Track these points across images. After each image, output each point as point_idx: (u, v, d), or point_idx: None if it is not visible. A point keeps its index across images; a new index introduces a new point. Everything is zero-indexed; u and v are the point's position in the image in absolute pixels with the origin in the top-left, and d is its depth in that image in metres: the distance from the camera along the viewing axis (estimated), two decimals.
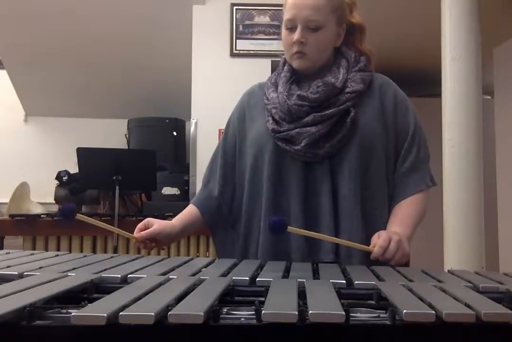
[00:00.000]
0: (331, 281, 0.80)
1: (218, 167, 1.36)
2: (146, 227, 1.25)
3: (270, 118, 1.27)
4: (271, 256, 1.20)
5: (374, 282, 0.80)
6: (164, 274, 0.89)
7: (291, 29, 1.23)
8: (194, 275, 0.89)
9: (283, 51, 1.30)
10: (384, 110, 1.27)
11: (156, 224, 1.25)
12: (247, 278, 0.84)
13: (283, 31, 1.26)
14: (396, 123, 1.28)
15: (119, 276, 0.84)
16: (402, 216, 1.24)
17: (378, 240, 1.11)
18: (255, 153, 1.29)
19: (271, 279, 0.81)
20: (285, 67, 1.32)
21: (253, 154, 1.29)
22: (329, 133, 1.21)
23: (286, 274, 0.93)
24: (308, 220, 1.22)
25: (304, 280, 0.80)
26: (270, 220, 1.05)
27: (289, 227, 1.05)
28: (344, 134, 1.21)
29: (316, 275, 0.92)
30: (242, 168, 1.33)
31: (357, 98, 1.24)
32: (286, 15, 1.24)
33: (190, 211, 1.35)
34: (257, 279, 0.83)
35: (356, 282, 0.82)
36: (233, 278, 0.83)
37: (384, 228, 1.22)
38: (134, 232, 1.24)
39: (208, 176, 1.39)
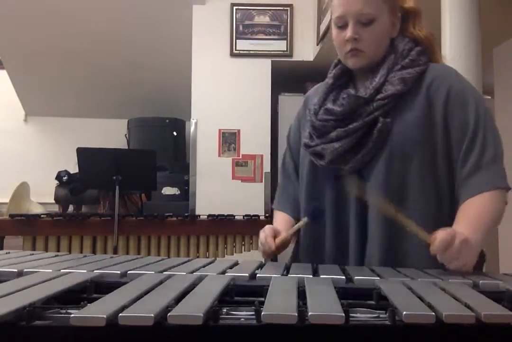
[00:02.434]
0: (331, 279, 0.80)
1: (292, 172, 1.33)
2: (275, 234, 1.17)
3: (307, 130, 1.23)
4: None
5: (374, 281, 0.80)
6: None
7: (342, 27, 1.15)
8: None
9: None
10: (433, 111, 1.12)
11: (284, 232, 1.19)
12: (247, 274, 0.84)
13: (334, 30, 1.18)
14: (449, 121, 1.12)
15: (119, 272, 0.84)
16: (469, 217, 1.04)
17: (440, 234, 0.94)
18: (300, 165, 1.27)
19: (271, 275, 0.81)
20: (332, 72, 1.24)
21: (299, 166, 1.28)
22: (354, 147, 1.13)
23: (286, 274, 0.93)
24: (338, 240, 1.16)
25: (304, 277, 0.80)
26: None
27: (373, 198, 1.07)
28: (369, 148, 1.11)
29: (316, 274, 0.92)
30: None
31: (393, 102, 1.12)
32: (335, 13, 1.16)
33: (282, 218, 1.29)
34: (257, 275, 0.83)
35: (356, 278, 0.82)
36: (233, 274, 0.83)
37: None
38: (268, 241, 1.14)
39: (283, 181, 1.35)
